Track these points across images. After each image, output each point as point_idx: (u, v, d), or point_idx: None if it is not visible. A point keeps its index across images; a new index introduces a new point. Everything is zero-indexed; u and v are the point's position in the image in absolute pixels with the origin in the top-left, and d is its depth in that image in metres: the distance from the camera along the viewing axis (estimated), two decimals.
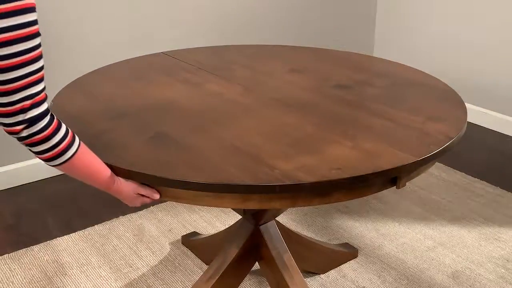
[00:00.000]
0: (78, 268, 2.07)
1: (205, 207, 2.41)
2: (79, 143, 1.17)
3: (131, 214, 2.38)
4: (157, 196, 1.28)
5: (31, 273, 2.04)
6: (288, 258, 1.62)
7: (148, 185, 1.27)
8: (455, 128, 1.40)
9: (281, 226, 1.85)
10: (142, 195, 1.29)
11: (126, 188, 1.26)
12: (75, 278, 2.02)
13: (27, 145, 1.11)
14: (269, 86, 1.71)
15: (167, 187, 1.21)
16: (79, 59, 2.67)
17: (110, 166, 1.22)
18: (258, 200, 1.19)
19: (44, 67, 1.08)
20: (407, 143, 1.33)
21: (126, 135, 1.37)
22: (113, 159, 1.25)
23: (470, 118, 3.33)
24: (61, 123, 1.13)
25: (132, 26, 2.79)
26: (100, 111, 1.53)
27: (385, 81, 1.77)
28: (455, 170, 2.78)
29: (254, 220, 1.67)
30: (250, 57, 2.02)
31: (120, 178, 1.26)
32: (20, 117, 1.06)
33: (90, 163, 1.20)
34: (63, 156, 1.14)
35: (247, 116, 1.47)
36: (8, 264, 2.08)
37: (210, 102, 1.58)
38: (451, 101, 1.60)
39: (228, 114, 1.50)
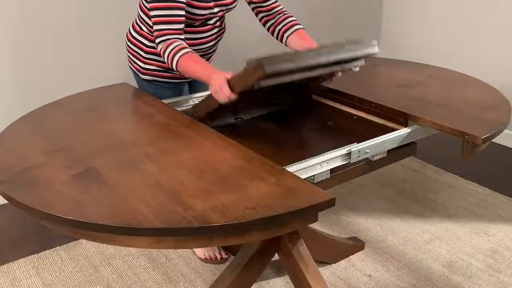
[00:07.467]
0: (121, 259, 2.11)
1: None
2: (180, 56, 1.62)
3: None
4: (232, 97, 1.48)
5: (80, 263, 2.09)
6: (304, 250, 1.61)
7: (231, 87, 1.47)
8: (506, 116, 1.59)
9: None
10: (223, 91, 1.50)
11: (217, 79, 1.50)
12: (118, 267, 2.06)
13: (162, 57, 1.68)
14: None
15: (76, 228, 1.10)
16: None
17: (24, 205, 1.13)
18: (173, 241, 1.08)
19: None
20: (471, 126, 1.49)
21: (53, 171, 1.25)
22: (29, 197, 1.14)
23: None
24: (168, 47, 1.65)
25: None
26: (40, 144, 1.41)
27: (438, 81, 1.95)
28: (449, 173, 2.79)
29: None
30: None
31: (220, 72, 1.52)
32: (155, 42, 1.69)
33: (192, 68, 1.62)
34: (172, 63, 1.64)
35: (185, 149, 1.36)
36: (59, 255, 2.14)
37: (152, 134, 1.47)
38: (494, 95, 1.79)
39: (166, 147, 1.37)
